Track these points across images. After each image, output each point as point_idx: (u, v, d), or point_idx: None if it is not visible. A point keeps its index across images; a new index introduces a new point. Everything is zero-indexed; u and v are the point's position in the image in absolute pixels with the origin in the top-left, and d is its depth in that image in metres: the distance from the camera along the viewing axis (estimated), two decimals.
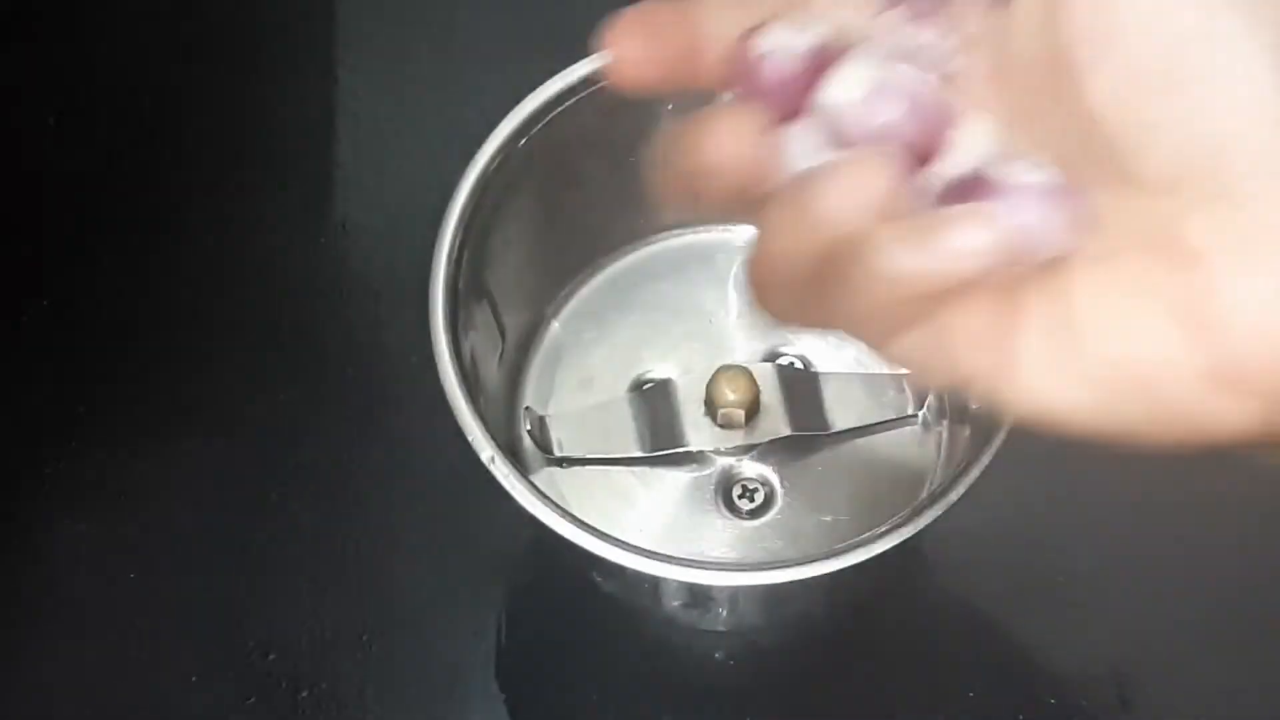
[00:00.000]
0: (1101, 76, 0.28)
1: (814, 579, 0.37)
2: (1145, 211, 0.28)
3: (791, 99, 0.30)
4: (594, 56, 0.42)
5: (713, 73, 0.31)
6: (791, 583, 0.38)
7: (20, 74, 0.58)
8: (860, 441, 0.48)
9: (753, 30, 0.30)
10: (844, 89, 0.29)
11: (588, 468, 0.48)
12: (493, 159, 0.41)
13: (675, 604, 0.43)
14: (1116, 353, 0.28)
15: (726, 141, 0.29)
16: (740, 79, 0.30)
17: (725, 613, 0.45)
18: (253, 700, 0.47)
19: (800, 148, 0.30)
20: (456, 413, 0.39)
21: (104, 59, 0.58)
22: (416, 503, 0.50)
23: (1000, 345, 0.29)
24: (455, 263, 0.41)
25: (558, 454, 0.47)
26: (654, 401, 0.47)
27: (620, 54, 0.31)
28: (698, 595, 0.42)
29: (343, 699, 0.47)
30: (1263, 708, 0.47)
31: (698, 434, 0.46)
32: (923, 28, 0.30)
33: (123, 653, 0.48)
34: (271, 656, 0.48)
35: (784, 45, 0.30)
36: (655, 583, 0.40)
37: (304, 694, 0.47)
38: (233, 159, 0.56)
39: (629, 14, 0.31)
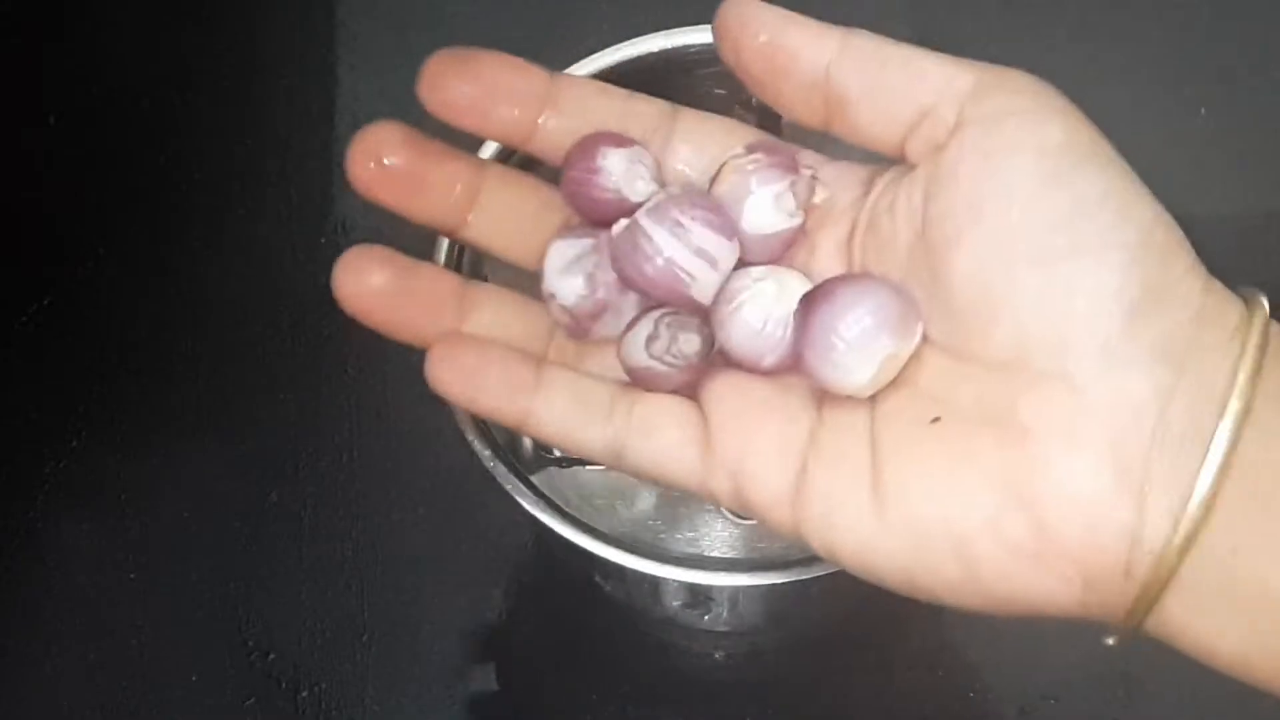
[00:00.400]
0: (969, 246, 0.28)
1: (814, 579, 0.37)
2: (980, 386, 0.28)
3: (597, 212, 0.32)
4: (592, 57, 0.42)
5: (509, 134, 0.33)
6: (792, 583, 0.38)
7: (20, 74, 0.58)
8: None
9: (606, 141, 0.32)
10: (615, 232, 0.32)
11: (588, 468, 0.48)
12: (492, 159, 0.41)
13: (675, 604, 0.43)
14: (933, 514, 0.28)
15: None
16: (570, 172, 0.33)
17: (725, 613, 0.45)
18: (252, 701, 0.47)
19: (571, 253, 0.32)
20: (456, 413, 0.39)
21: (104, 59, 0.58)
22: (416, 503, 0.50)
23: (810, 492, 0.29)
24: (455, 263, 0.41)
25: (557, 454, 0.47)
26: None
27: (430, 83, 0.32)
28: (698, 595, 0.42)
29: (343, 699, 0.47)
30: (1265, 709, 0.47)
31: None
32: (771, 178, 0.31)
33: (123, 653, 0.48)
34: (271, 656, 0.48)
35: (622, 178, 0.32)
36: (655, 583, 0.40)
37: (304, 694, 0.47)
38: (233, 159, 0.56)
39: (454, 52, 0.32)
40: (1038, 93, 0.29)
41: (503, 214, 0.33)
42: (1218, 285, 0.28)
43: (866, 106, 0.30)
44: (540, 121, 0.32)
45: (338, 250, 0.54)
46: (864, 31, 0.30)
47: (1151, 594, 0.27)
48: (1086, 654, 0.47)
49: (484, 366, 0.32)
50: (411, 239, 0.43)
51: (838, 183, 0.32)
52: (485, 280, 0.44)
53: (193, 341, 0.53)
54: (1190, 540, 0.26)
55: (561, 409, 0.31)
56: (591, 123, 0.32)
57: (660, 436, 0.31)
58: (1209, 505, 0.26)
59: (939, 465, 0.28)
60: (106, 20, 0.59)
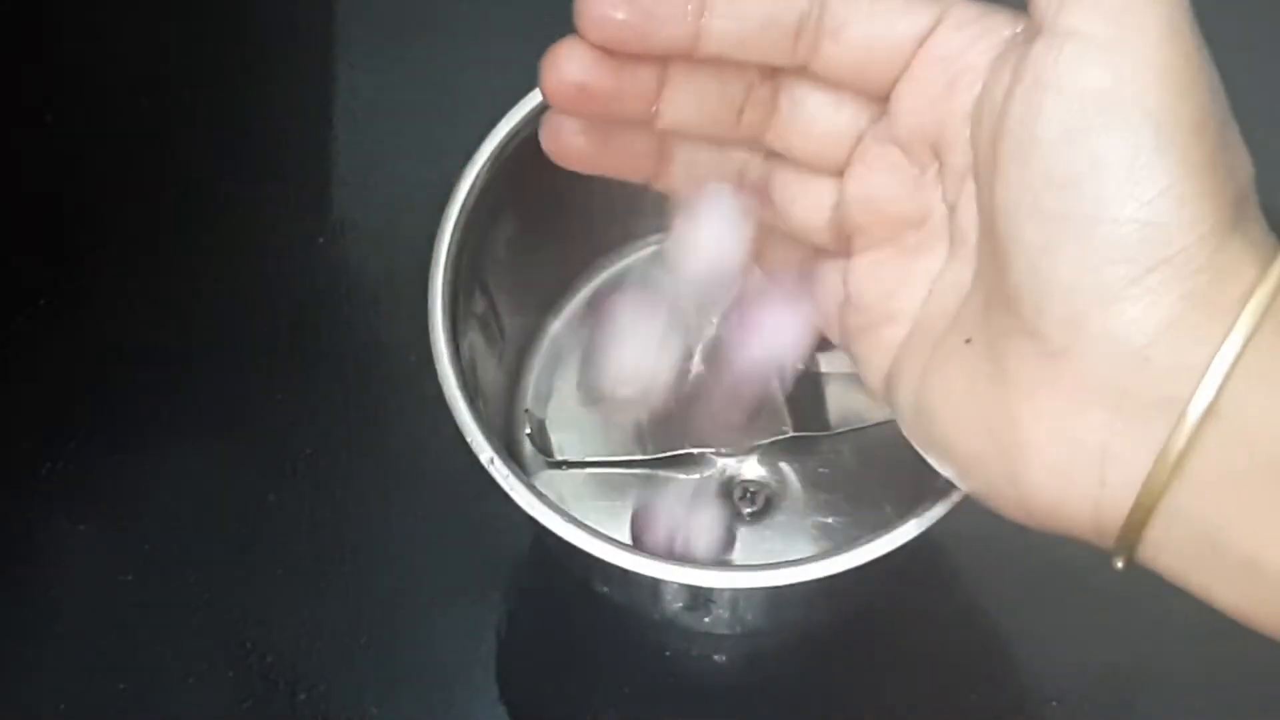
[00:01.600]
0: (1004, 181, 0.28)
1: (815, 580, 0.37)
2: (1000, 317, 0.29)
3: None
4: None
5: (674, 48, 0.32)
6: (793, 584, 0.37)
7: (18, 73, 0.57)
8: (861, 442, 0.47)
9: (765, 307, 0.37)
10: None
11: (587, 469, 0.48)
12: (493, 158, 0.41)
13: (675, 606, 0.43)
14: (938, 434, 0.30)
15: None
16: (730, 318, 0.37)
17: (726, 615, 0.45)
18: (250, 703, 0.47)
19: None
20: (456, 414, 0.39)
21: (103, 59, 0.58)
22: (416, 504, 0.50)
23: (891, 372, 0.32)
24: (455, 263, 0.41)
25: (557, 456, 0.47)
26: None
27: (587, 15, 0.32)
28: (698, 597, 0.41)
29: (341, 701, 0.47)
30: (1267, 712, 0.47)
31: (698, 435, 0.46)
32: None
33: (121, 653, 0.48)
34: (269, 658, 0.48)
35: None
36: (655, 585, 0.40)
37: (302, 696, 0.47)
38: (232, 159, 0.56)
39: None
40: (1123, 14, 0.27)
41: (694, 100, 0.34)
42: (1233, 252, 0.27)
43: None
44: (703, 25, 0.32)
45: (338, 250, 0.54)
46: None
47: (1126, 553, 0.28)
48: (1088, 656, 0.47)
49: None
50: (409, 237, 0.43)
51: (984, 35, 0.31)
52: (487, 293, 0.44)
53: (192, 341, 0.53)
54: (1149, 512, 0.27)
55: None
56: (752, 16, 0.32)
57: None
58: (1171, 477, 0.26)
59: (951, 387, 0.30)
60: (106, 19, 0.59)
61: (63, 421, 0.51)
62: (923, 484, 0.46)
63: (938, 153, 0.32)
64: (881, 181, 0.33)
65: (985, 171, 0.29)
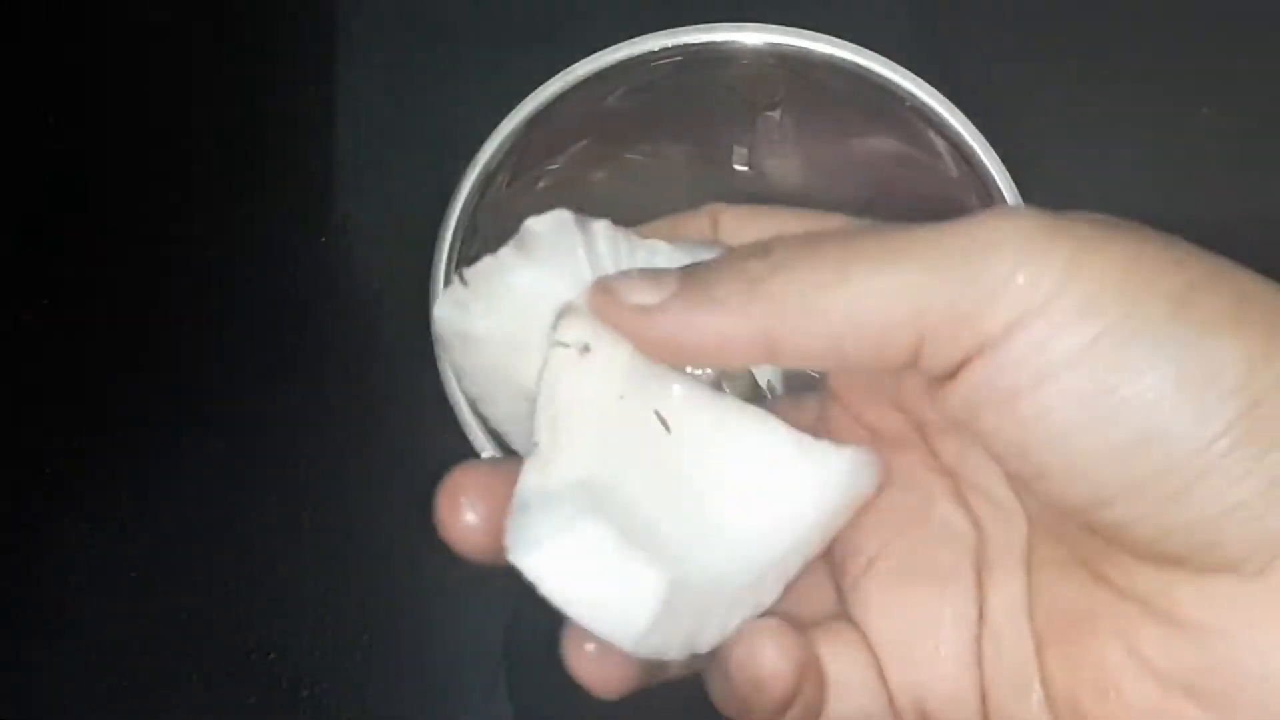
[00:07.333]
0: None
1: None
2: (1133, 578, 0.27)
3: None
4: (594, 56, 0.41)
5: None
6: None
7: (19, 73, 0.58)
8: None
9: None
10: None
11: None
12: (493, 158, 0.41)
13: None
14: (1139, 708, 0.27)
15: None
16: None
17: None
18: (253, 701, 0.47)
19: None
20: (457, 413, 0.39)
21: (104, 58, 0.58)
22: (417, 503, 0.49)
23: None
24: (455, 263, 0.41)
25: None
26: None
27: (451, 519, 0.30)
28: None
29: (343, 699, 0.47)
30: None
31: None
32: None
33: (123, 653, 0.48)
34: (271, 656, 0.48)
35: None
36: None
37: (304, 694, 0.47)
38: (233, 159, 0.56)
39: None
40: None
41: None
42: None
43: None
44: None
45: (338, 250, 0.55)
46: None
47: None
48: None
49: None
50: (410, 237, 0.43)
51: None
52: None
53: (192, 341, 0.53)
54: None
55: None
56: None
57: None
58: None
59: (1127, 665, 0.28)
60: (106, 19, 0.59)
61: (64, 421, 0.51)
62: None
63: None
64: None
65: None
